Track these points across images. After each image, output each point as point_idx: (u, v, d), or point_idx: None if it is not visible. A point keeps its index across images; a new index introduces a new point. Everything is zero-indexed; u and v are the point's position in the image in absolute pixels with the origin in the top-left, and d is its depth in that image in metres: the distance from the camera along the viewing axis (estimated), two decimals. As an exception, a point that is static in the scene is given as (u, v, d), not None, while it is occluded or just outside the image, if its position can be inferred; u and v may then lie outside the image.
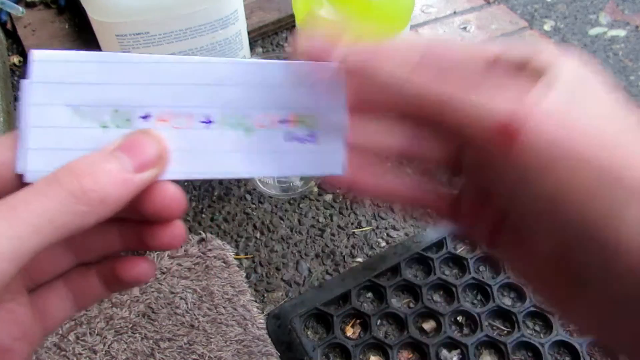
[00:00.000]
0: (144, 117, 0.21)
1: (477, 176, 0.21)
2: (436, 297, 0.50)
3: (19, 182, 0.20)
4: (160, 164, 0.21)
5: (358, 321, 0.49)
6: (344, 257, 0.53)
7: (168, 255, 0.52)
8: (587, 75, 0.19)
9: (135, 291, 0.49)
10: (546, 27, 0.83)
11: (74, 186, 0.18)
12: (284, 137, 0.22)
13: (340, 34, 0.21)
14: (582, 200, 0.17)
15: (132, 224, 0.23)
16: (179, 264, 0.51)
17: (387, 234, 0.55)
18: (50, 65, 0.20)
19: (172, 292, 0.49)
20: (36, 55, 0.20)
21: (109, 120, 0.21)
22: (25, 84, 0.20)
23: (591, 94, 0.19)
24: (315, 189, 0.58)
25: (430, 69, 0.20)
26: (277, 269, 0.52)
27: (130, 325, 0.47)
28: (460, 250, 0.53)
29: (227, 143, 0.22)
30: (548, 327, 0.48)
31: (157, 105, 0.21)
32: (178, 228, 0.22)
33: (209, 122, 0.22)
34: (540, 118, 0.17)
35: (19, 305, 0.21)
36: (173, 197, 0.21)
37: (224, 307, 0.49)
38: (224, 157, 0.22)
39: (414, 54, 0.20)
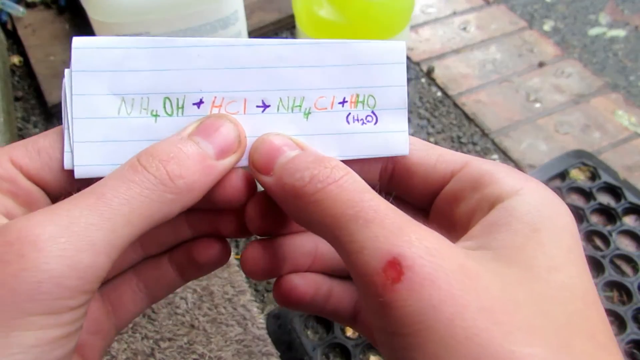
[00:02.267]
0: (197, 104, 0.20)
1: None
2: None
3: (70, 178, 0.19)
4: (240, 149, 0.19)
5: (358, 321, 0.49)
6: (344, 257, 0.53)
7: (168, 255, 0.52)
8: (543, 220, 0.17)
9: (136, 291, 0.49)
10: (546, 27, 0.83)
11: (161, 173, 0.17)
12: (345, 119, 0.21)
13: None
14: None
15: (200, 212, 0.21)
16: (179, 264, 0.51)
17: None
18: (92, 53, 0.19)
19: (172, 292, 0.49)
20: (76, 42, 0.19)
21: (160, 108, 0.20)
22: (67, 73, 0.19)
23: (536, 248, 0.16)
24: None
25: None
26: (277, 269, 0.52)
27: (130, 325, 0.47)
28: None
29: (285, 127, 0.21)
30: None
31: (210, 91, 0.20)
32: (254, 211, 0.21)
33: (265, 106, 0.20)
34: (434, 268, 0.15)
35: (91, 299, 0.20)
36: (247, 183, 0.20)
37: (224, 307, 0.49)
38: None
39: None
